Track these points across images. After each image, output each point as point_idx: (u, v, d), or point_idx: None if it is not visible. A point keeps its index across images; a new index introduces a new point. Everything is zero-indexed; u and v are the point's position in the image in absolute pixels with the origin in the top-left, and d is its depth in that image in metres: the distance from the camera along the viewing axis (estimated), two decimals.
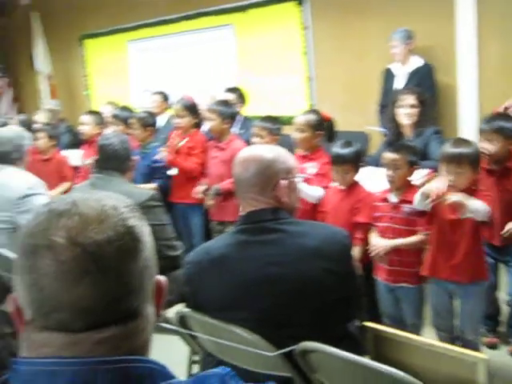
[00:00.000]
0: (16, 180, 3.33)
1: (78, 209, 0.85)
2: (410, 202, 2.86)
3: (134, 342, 0.86)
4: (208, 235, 4.22)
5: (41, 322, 0.84)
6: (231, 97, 4.92)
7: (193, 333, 2.06)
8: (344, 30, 5.57)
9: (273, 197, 1.83)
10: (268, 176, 1.83)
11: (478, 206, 2.56)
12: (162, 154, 4.20)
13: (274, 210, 1.83)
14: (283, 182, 1.84)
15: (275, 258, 1.77)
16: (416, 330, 2.96)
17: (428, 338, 1.81)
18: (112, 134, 3.19)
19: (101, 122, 4.97)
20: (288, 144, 3.61)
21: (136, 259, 0.86)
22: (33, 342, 0.84)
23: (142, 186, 4.10)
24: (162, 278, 0.95)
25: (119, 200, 0.91)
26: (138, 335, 0.87)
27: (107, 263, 0.83)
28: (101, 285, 0.82)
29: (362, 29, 5.43)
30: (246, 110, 5.22)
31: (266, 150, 1.89)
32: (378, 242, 2.96)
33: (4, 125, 5.27)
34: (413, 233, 2.93)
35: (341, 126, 4.81)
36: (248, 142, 4.08)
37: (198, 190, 4.15)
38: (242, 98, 5.08)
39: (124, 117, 4.86)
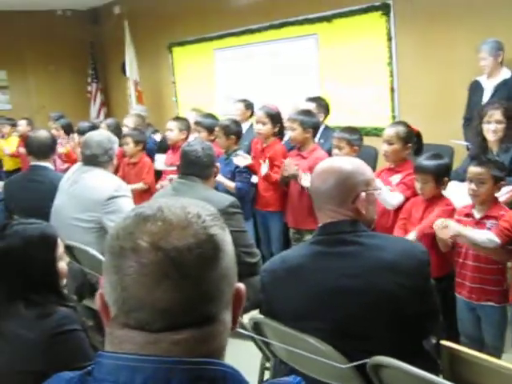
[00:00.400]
0: (103, 182, 3.44)
1: (163, 215, 0.88)
2: (494, 218, 2.79)
3: (209, 345, 0.88)
4: (287, 243, 4.23)
5: (123, 320, 0.87)
6: (313, 106, 4.91)
7: (266, 339, 2.08)
8: (429, 40, 5.45)
9: (352, 209, 1.84)
10: (348, 188, 1.84)
11: None
12: (241, 161, 4.25)
13: (353, 222, 1.83)
14: (363, 194, 1.84)
15: (351, 270, 1.76)
16: (496, 352, 2.86)
17: (509, 362, 1.72)
18: (196, 140, 3.24)
19: (186, 128, 5.05)
20: (369, 155, 3.60)
21: (215, 267, 0.88)
22: (115, 337, 0.88)
23: (222, 180, 4.18)
24: (241, 286, 0.96)
25: (204, 208, 0.93)
26: (214, 339, 0.89)
27: (186, 269, 0.85)
28: (179, 289, 0.85)
29: (449, 39, 5.29)
30: (327, 120, 5.21)
31: (345, 162, 1.90)
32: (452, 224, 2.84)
33: (94, 128, 5.48)
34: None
35: (424, 138, 4.73)
36: (329, 152, 4.07)
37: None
38: (323, 107, 5.05)
39: (207, 124, 4.92)
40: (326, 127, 4.97)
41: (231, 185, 4.34)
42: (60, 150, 5.75)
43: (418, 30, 5.52)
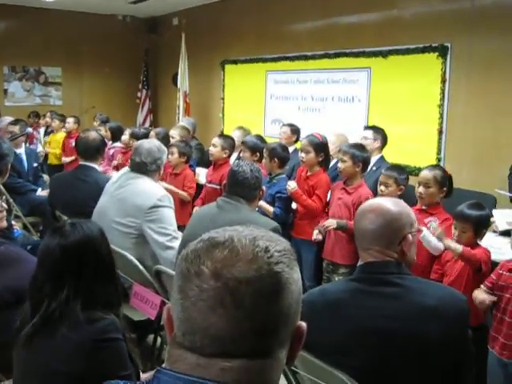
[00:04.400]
0: (149, 190, 3.46)
1: (232, 244, 0.89)
2: None
3: (259, 378, 0.88)
4: (319, 272, 4.19)
5: (180, 340, 0.90)
6: (370, 133, 4.91)
7: (295, 368, 2.06)
8: (484, 86, 5.39)
9: (398, 250, 1.83)
10: (396, 230, 1.83)
11: None
12: (291, 186, 4.21)
13: (398, 263, 1.82)
14: (410, 236, 1.84)
15: (390, 311, 1.75)
16: None
17: None
18: (245, 161, 3.24)
19: (229, 147, 5.01)
20: (409, 195, 3.59)
21: (273, 304, 0.88)
22: (171, 355, 0.91)
23: (261, 203, 4.11)
24: (303, 325, 0.96)
25: (275, 242, 0.92)
26: (265, 374, 0.89)
27: (241, 301, 0.85)
28: (233, 319, 0.85)
29: (504, 87, 5.23)
30: (383, 150, 5.20)
31: (392, 203, 1.90)
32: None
33: (146, 135, 5.56)
34: None
35: (467, 184, 4.67)
36: (374, 185, 4.05)
37: (318, 228, 4.11)
38: (381, 135, 5.03)
39: (251, 144, 4.85)
40: (382, 157, 4.98)
41: (270, 209, 4.31)
42: (115, 161, 5.89)
43: (474, 74, 5.46)
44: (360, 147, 4.17)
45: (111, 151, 6.38)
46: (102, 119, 7.60)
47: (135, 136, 5.73)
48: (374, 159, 4.79)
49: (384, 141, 5.07)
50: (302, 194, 4.23)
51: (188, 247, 0.93)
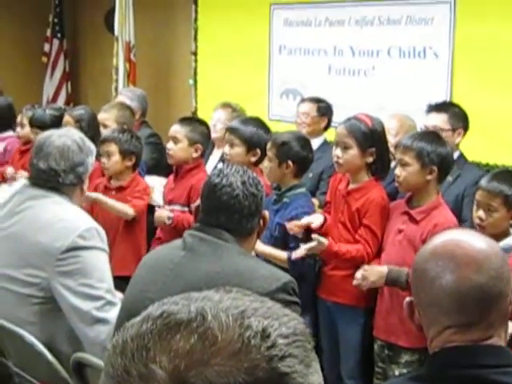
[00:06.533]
0: (62, 220, 2.81)
1: (204, 324, 0.69)
2: None
3: None
4: (368, 361, 3.24)
5: None
6: (442, 119, 3.61)
7: None
8: None
9: (494, 325, 1.51)
10: (496, 293, 1.52)
11: None
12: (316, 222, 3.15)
13: (498, 349, 1.49)
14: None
15: None
16: None
17: None
18: (234, 168, 2.47)
19: (202, 139, 3.70)
20: None
21: None
22: None
23: (262, 249, 3.11)
24: None
25: (277, 320, 0.70)
26: None
27: None
28: None
29: None
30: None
31: (487, 245, 1.56)
32: None
33: (56, 122, 4.22)
34: None
35: None
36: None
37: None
38: (461, 120, 3.70)
39: (247, 134, 3.56)
40: (462, 156, 3.74)
41: (281, 255, 3.21)
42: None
43: None
44: (434, 138, 3.14)
45: None
46: None
47: (38, 123, 4.41)
48: None
49: (465, 126, 3.79)
50: (338, 247, 3.13)
51: (125, 330, 0.71)
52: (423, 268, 1.57)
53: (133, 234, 3.85)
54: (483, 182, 2.97)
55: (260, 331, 0.68)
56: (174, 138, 3.74)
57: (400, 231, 3.08)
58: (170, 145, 3.75)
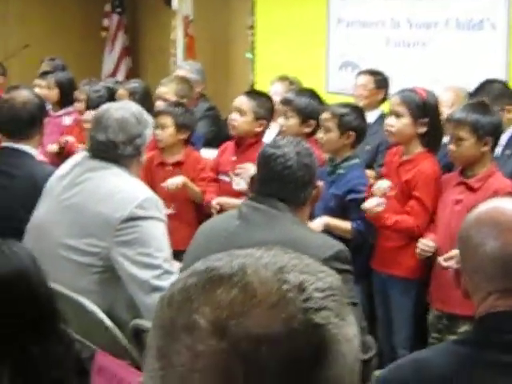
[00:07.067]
0: (121, 191, 2.83)
1: (244, 279, 0.70)
2: None
3: None
4: (422, 332, 3.17)
5: None
6: None
7: None
8: None
9: None
10: None
11: None
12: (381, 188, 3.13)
13: None
14: None
15: None
16: None
17: None
18: (288, 139, 2.48)
19: (266, 113, 3.57)
20: None
21: (312, 379, 0.69)
22: None
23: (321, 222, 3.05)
24: None
25: (314, 275, 0.71)
26: None
27: (262, 374, 0.67)
28: None
29: None
30: None
31: None
32: None
33: (111, 95, 4.24)
34: None
35: None
36: None
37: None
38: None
39: (302, 105, 3.47)
40: None
41: (343, 225, 3.17)
42: (50, 147, 4.31)
43: None
44: (484, 108, 3.05)
45: (64, 121, 4.81)
46: (57, 66, 5.50)
47: (93, 98, 4.32)
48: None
49: None
50: (388, 216, 3.09)
51: (173, 285, 0.74)
52: (468, 235, 1.58)
53: (191, 209, 3.77)
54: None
55: (297, 285, 0.70)
56: (240, 110, 3.63)
57: (458, 202, 3.02)
58: (234, 115, 3.62)
